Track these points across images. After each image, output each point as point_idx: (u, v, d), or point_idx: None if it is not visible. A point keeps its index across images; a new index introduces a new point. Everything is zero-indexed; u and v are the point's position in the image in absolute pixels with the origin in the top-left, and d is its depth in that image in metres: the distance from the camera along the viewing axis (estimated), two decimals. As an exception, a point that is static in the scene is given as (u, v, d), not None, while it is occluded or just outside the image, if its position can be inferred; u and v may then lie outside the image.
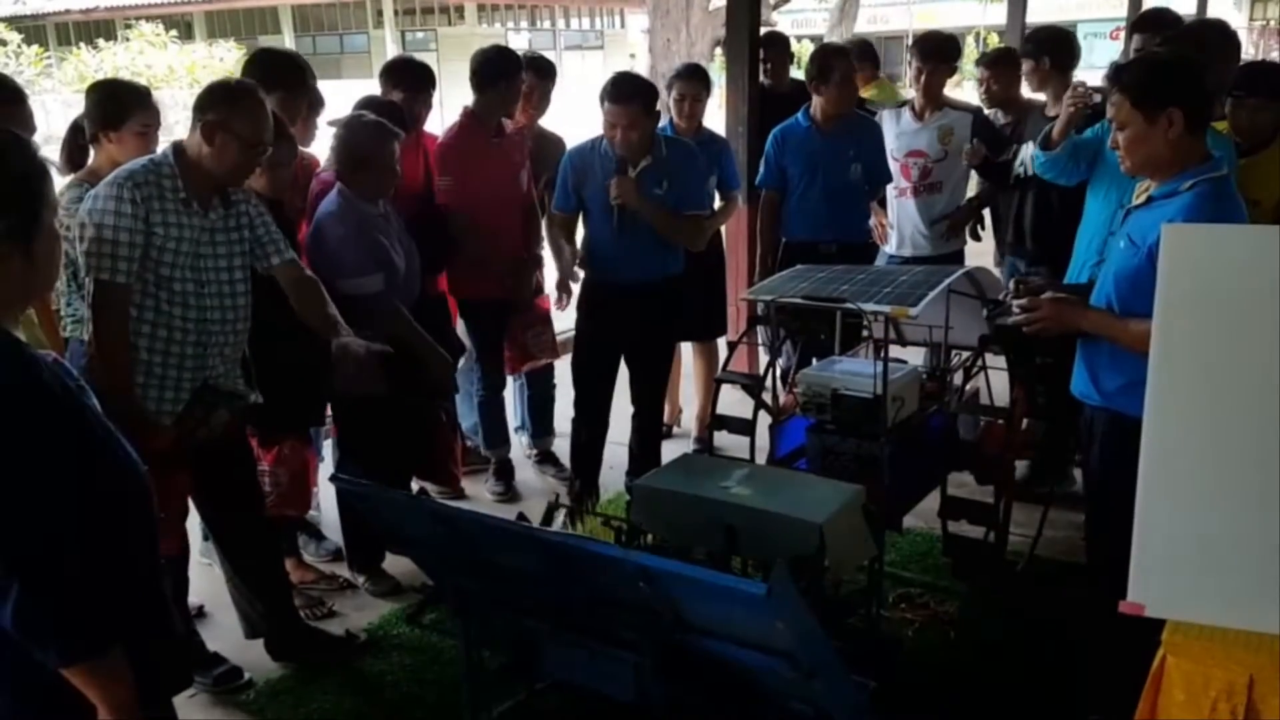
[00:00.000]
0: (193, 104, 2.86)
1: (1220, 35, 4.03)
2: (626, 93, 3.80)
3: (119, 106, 3.14)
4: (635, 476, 3.84)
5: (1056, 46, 4.40)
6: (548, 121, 4.93)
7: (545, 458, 4.83)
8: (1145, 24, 4.55)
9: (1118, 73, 2.60)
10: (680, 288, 4.13)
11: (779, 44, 5.64)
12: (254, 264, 3.01)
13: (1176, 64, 2.65)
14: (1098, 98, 3.65)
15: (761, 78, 5.45)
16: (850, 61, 4.64)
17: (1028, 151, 4.27)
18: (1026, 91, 4.89)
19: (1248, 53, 20.06)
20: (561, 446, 4.70)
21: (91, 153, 3.19)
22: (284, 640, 3.32)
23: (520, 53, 4.52)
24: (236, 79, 3.02)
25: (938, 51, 4.69)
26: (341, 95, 4.76)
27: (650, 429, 4.33)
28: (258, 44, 25.67)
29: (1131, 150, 2.57)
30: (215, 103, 2.82)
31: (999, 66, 4.80)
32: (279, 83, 3.55)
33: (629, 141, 3.81)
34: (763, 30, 5.74)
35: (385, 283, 3.48)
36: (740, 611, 1.92)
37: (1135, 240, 2.53)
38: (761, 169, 4.77)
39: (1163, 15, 4.62)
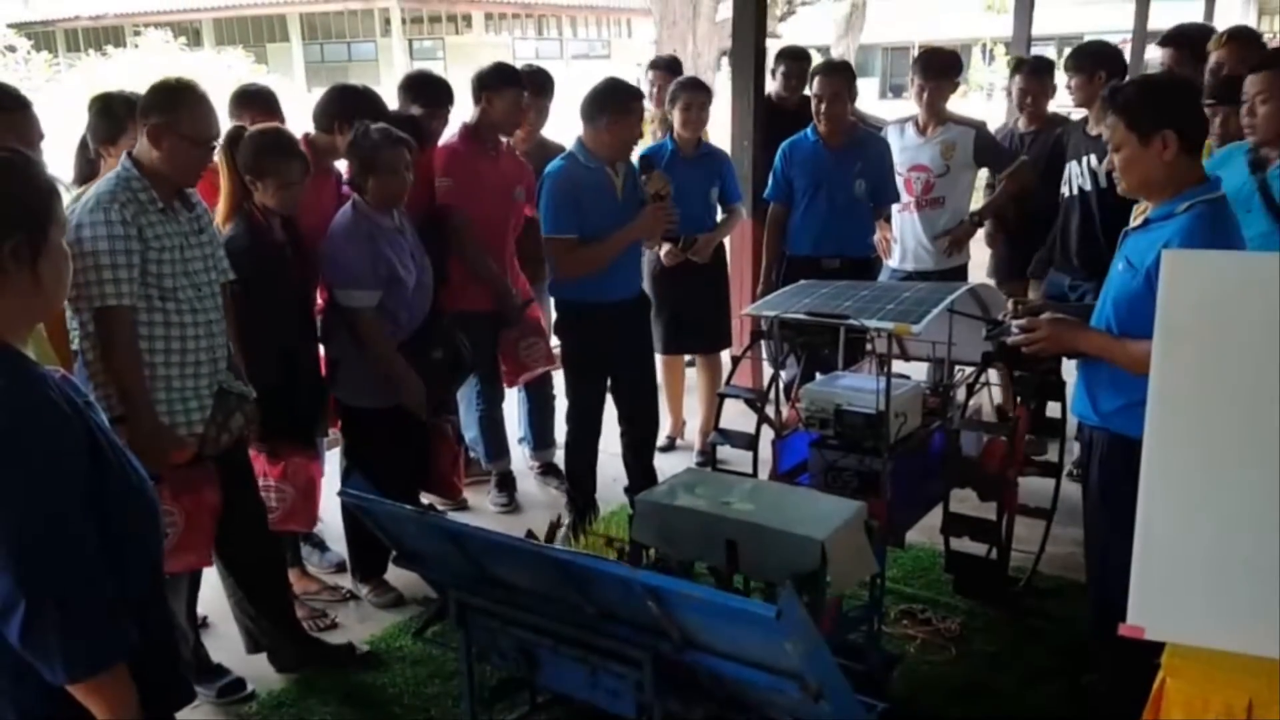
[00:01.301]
0: (137, 110, 2.84)
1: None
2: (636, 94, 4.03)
3: (113, 121, 3.16)
4: (633, 491, 3.86)
5: (1108, 61, 4.43)
6: (551, 131, 4.95)
7: (547, 469, 4.84)
8: (1170, 40, 4.57)
9: (1113, 94, 2.60)
10: (646, 301, 4.31)
11: (801, 58, 5.55)
12: None
13: (1171, 85, 2.65)
14: None
15: (780, 90, 5.44)
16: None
17: (1074, 170, 4.33)
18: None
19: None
20: (563, 458, 4.70)
21: (101, 168, 3.21)
22: (287, 652, 3.33)
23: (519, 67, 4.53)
24: (176, 78, 2.94)
25: (939, 68, 4.70)
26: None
27: (646, 444, 4.32)
28: (266, 51, 25.85)
29: (1126, 172, 2.56)
30: (157, 106, 2.79)
31: (1038, 76, 4.83)
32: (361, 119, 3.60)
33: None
34: (784, 44, 5.75)
35: (391, 300, 3.50)
36: (749, 632, 1.93)
37: (1133, 263, 2.53)
38: (770, 182, 4.78)
39: (1195, 30, 4.62)
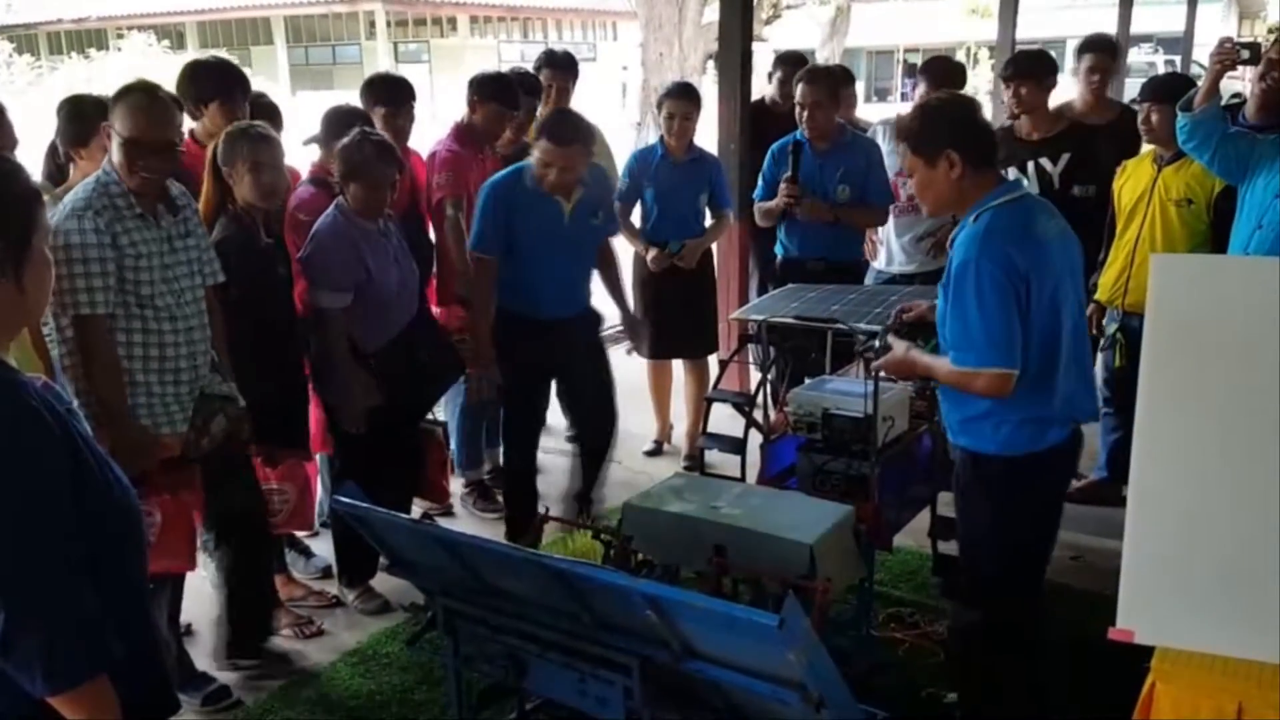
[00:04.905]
0: (108, 125, 2.80)
1: None
2: (568, 136, 3.65)
3: (84, 123, 3.14)
4: (580, 502, 3.93)
5: (1053, 67, 4.49)
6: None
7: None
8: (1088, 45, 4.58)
9: (897, 122, 2.76)
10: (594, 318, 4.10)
11: (798, 63, 5.38)
12: None
13: (946, 106, 2.68)
14: (1245, 54, 3.55)
15: (776, 95, 5.41)
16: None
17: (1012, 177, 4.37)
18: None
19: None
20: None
21: (71, 171, 3.19)
22: (240, 642, 3.32)
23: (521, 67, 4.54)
24: (137, 85, 2.86)
25: (948, 77, 4.70)
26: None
27: (596, 457, 4.17)
28: (250, 55, 25.76)
29: (922, 195, 2.64)
30: (128, 122, 2.74)
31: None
32: (219, 92, 3.53)
33: (566, 183, 3.68)
34: (770, 47, 5.73)
35: (367, 304, 3.49)
36: (751, 642, 1.91)
37: (944, 284, 2.57)
38: (760, 183, 4.75)
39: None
